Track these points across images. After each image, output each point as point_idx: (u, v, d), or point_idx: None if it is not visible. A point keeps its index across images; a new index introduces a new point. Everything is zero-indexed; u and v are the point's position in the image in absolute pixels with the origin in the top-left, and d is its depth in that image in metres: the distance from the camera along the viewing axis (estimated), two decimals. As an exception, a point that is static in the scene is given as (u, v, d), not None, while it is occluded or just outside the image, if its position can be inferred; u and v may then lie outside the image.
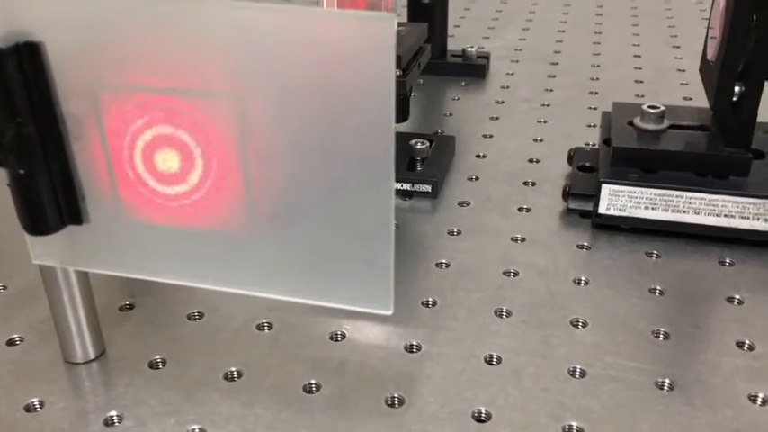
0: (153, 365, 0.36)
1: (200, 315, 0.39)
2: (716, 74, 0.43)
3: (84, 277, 0.34)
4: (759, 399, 0.33)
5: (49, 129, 0.27)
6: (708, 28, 0.48)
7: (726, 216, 0.43)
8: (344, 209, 0.26)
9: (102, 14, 0.25)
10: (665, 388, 0.34)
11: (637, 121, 0.48)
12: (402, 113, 0.49)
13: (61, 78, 0.26)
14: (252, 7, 0.23)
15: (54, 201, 0.29)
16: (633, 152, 0.46)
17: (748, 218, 0.43)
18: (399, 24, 0.51)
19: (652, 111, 0.47)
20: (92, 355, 0.36)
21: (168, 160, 0.27)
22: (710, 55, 0.45)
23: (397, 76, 0.47)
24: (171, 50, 0.25)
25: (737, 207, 0.43)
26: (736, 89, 0.43)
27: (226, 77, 0.25)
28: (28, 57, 0.26)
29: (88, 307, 0.35)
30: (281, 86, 0.25)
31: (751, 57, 0.42)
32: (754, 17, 0.41)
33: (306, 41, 0.23)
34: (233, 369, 0.35)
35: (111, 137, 0.27)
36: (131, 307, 0.40)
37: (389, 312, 0.27)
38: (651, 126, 0.47)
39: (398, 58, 0.47)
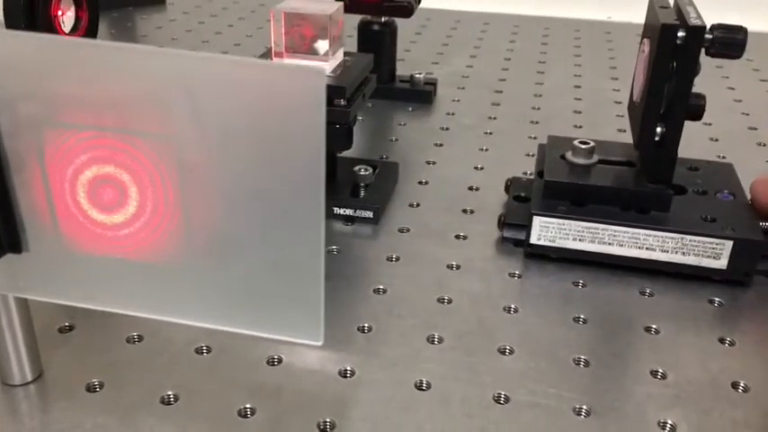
0: (90, 388, 0.36)
1: (140, 338, 0.40)
2: (639, 115, 0.46)
3: (22, 301, 0.35)
4: (668, 425, 0.35)
5: (-9, 161, 0.28)
6: (635, 68, 0.50)
7: (647, 249, 0.46)
8: (277, 244, 0.28)
9: (47, 56, 0.26)
10: (583, 415, 0.36)
11: (569, 155, 0.50)
12: (346, 142, 0.51)
13: (4, 114, 0.27)
14: (193, 57, 0.25)
15: (-7, 230, 0.29)
16: (564, 186, 0.48)
17: (667, 251, 0.45)
18: (346, 54, 0.53)
19: (583, 146, 0.50)
20: (29, 378, 0.36)
21: (108, 195, 0.28)
22: (636, 96, 0.48)
23: (342, 106, 0.49)
24: (114, 94, 0.26)
25: (657, 241, 0.45)
26: (659, 130, 0.45)
27: (167, 120, 0.26)
28: (-29, 92, 0.27)
29: (26, 330, 0.35)
30: (219, 130, 0.26)
31: (672, 99, 0.45)
32: (674, 63, 0.44)
33: (243, 90, 0.25)
34: (170, 393, 0.36)
35: (53, 171, 0.28)
36: (71, 328, 0.40)
37: (319, 343, 0.29)
38: (581, 161, 0.50)
39: (343, 89, 0.48)
